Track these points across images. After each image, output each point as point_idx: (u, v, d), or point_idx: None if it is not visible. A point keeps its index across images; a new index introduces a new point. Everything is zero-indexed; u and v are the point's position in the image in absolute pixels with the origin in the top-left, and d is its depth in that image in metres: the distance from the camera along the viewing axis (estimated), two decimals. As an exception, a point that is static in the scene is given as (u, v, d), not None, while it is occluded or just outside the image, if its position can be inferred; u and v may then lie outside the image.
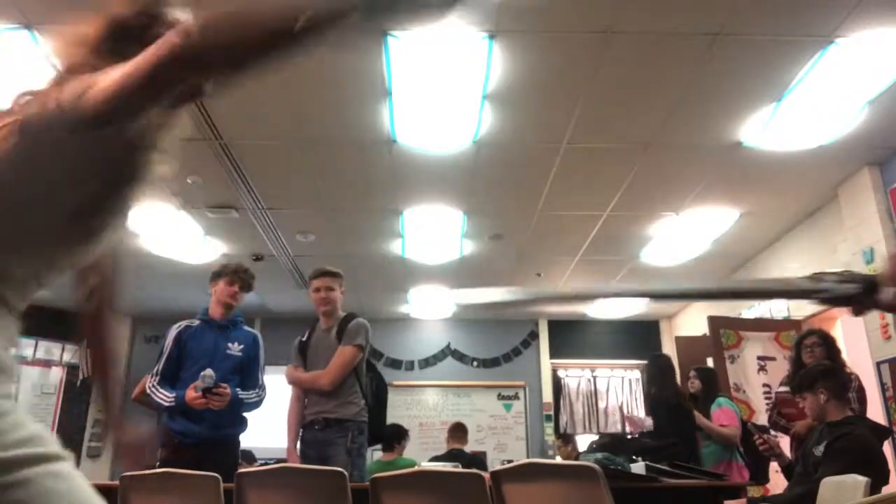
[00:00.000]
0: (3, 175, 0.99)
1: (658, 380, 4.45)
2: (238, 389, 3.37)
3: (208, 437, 3.25)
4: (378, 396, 3.55)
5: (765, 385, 5.21)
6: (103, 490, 2.99)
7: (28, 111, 1.01)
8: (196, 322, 3.61)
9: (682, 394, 4.42)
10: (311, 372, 3.46)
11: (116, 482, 2.64)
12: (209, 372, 3.25)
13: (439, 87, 3.63)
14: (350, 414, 3.29)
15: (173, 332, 3.54)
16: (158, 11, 1.17)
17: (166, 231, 5.58)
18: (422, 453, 6.42)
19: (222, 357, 3.44)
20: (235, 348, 3.51)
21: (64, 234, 1.05)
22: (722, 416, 4.26)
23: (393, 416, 6.45)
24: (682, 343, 6.80)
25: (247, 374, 3.51)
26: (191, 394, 3.21)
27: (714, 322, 5.44)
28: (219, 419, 3.27)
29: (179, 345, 3.48)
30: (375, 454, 5.25)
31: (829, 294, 0.95)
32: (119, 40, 1.13)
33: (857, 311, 0.97)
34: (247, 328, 3.70)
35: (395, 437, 4.77)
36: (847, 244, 4.67)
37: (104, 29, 1.16)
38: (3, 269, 0.99)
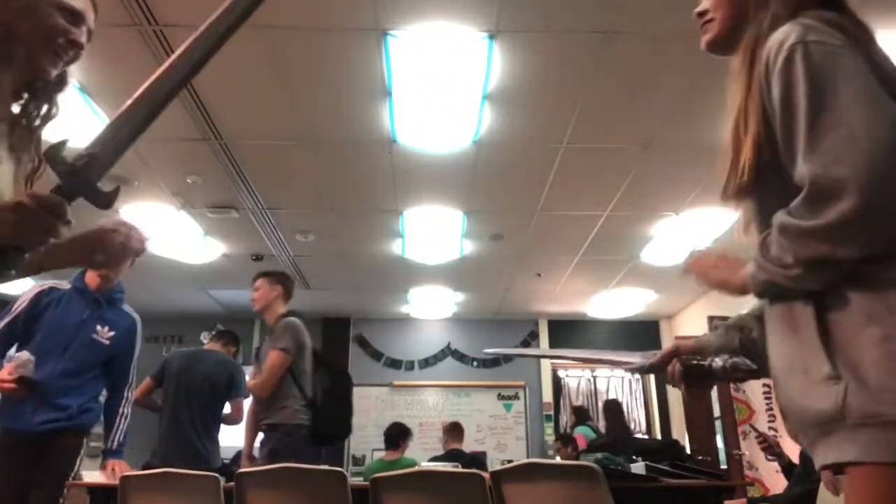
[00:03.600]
0: None
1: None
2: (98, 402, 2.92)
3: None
4: (334, 392, 3.43)
5: (765, 385, 5.21)
6: (103, 490, 2.99)
7: None
8: (66, 287, 2.93)
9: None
10: (250, 381, 3.48)
11: (116, 482, 2.64)
12: (28, 357, 2.65)
13: (439, 87, 3.63)
14: (281, 418, 3.22)
15: (34, 291, 2.89)
16: None
17: (166, 231, 5.58)
18: (422, 453, 6.42)
19: (85, 344, 2.85)
20: (104, 334, 2.91)
21: None
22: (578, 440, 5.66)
23: (393, 416, 6.48)
24: (682, 343, 6.79)
25: (114, 370, 2.97)
26: (2, 374, 2.62)
27: (714, 322, 5.44)
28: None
29: (35, 309, 2.83)
30: (377, 454, 5.26)
31: (634, 366, 1.21)
32: None
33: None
34: (126, 309, 3.07)
35: (399, 436, 4.78)
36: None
37: None
38: None
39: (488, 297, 7.66)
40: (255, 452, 3.46)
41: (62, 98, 1.30)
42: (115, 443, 2.96)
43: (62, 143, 1.00)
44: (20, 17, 1.17)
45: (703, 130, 4.09)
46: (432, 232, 5.67)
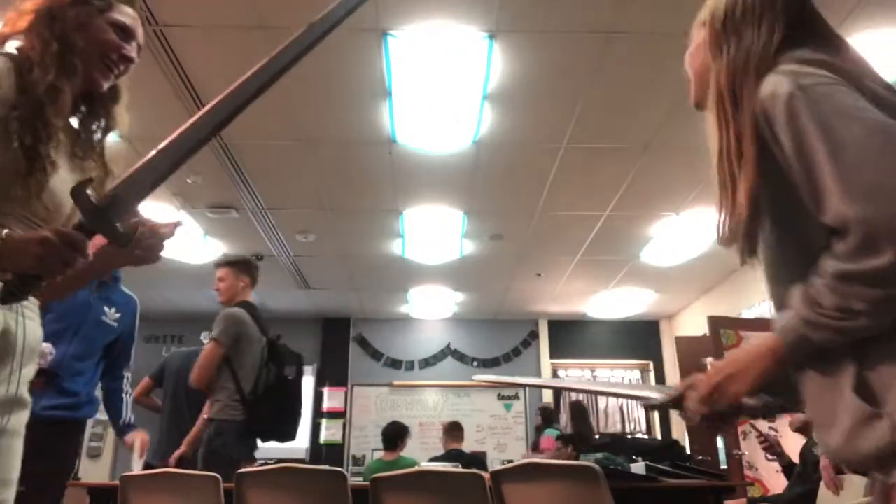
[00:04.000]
0: None
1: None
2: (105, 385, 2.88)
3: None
4: (276, 389, 3.25)
5: (765, 385, 5.21)
6: (103, 490, 2.99)
7: None
8: None
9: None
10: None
11: (116, 482, 2.64)
12: (49, 348, 2.59)
13: (439, 87, 3.63)
14: (213, 412, 3.11)
15: None
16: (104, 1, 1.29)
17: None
18: (422, 453, 6.42)
19: (96, 325, 2.80)
20: (112, 316, 2.87)
21: None
22: (545, 442, 5.72)
23: (393, 416, 6.47)
24: (683, 343, 6.80)
25: (119, 353, 2.94)
26: None
27: (714, 322, 5.45)
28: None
29: None
30: (377, 454, 5.25)
31: (653, 402, 1.13)
32: (48, 20, 1.23)
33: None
34: (125, 289, 3.07)
35: (397, 436, 4.77)
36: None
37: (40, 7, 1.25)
38: None
39: (488, 297, 7.66)
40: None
41: (118, 110, 1.36)
42: (129, 417, 2.99)
43: (87, 182, 1.05)
44: (76, 33, 1.24)
45: (703, 131, 4.09)
46: (432, 232, 5.67)
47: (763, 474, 4.87)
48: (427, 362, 8.45)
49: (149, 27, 3.15)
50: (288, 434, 3.29)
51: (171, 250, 6.09)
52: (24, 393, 1.14)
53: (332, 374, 8.17)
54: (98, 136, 1.34)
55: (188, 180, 4.72)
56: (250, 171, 4.63)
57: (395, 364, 8.40)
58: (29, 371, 1.15)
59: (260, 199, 5.06)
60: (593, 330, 8.54)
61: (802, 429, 3.72)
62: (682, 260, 6.25)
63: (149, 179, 1.13)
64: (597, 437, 7.52)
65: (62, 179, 1.21)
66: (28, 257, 0.99)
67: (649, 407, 1.20)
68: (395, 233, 5.72)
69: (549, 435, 5.94)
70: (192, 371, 3.18)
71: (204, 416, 3.24)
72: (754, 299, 6.22)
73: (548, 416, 6.68)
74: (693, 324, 7.49)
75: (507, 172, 4.65)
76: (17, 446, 1.12)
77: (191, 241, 5.82)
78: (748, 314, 6.23)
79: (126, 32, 1.31)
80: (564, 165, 4.49)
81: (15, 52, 1.19)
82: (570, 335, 8.52)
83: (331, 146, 4.33)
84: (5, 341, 1.09)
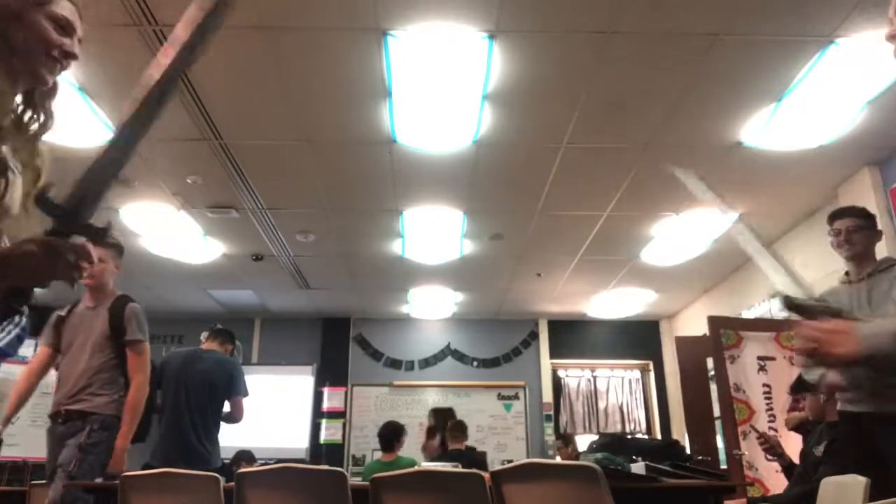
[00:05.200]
0: None
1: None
2: None
3: None
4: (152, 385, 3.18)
5: (765, 385, 5.21)
6: (103, 490, 2.99)
7: None
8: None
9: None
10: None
11: (116, 482, 2.64)
12: None
13: (439, 87, 3.63)
14: (94, 406, 2.96)
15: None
16: None
17: (166, 231, 5.58)
18: (422, 453, 6.42)
19: None
20: None
21: None
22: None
23: (393, 417, 6.47)
24: (683, 343, 6.80)
25: None
26: None
27: (714, 322, 5.44)
28: None
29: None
30: (377, 454, 5.24)
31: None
32: None
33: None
34: None
35: (393, 436, 4.76)
36: (847, 244, 4.66)
37: None
38: None
39: (488, 297, 7.66)
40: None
41: (55, 105, 1.33)
42: None
43: (48, 187, 1.07)
44: (12, 28, 1.20)
45: (703, 130, 4.10)
46: (432, 232, 5.67)
47: (763, 474, 4.87)
48: (427, 362, 8.45)
49: (148, 27, 3.15)
50: (144, 436, 3.25)
51: (172, 250, 6.11)
52: None
53: (332, 374, 8.17)
54: (36, 132, 1.31)
55: (188, 180, 4.72)
56: (250, 171, 4.63)
57: (395, 364, 8.40)
58: None
59: (260, 199, 5.06)
60: (593, 330, 8.54)
61: (798, 427, 3.72)
62: (682, 260, 6.25)
63: (109, 172, 1.13)
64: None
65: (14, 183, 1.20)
66: (31, 268, 1.02)
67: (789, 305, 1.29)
68: (395, 233, 5.72)
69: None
70: (141, 379, 3.04)
71: (69, 407, 2.99)
72: (754, 299, 6.21)
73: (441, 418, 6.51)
74: (693, 324, 7.48)
75: (507, 172, 4.65)
76: None
77: (191, 240, 5.81)
78: (748, 314, 6.22)
79: (66, 27, 1.27)
80: (564, 165, 4.49)
81: None
82: (570, 335, 8.52)
83: (331, 146, 4.33)
84: None
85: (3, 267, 1.05)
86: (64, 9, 1.27)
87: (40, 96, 1.30)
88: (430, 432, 5.84)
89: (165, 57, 1.17)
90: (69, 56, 1.28)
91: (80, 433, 2.90)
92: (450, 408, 7.00)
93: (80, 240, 1.07)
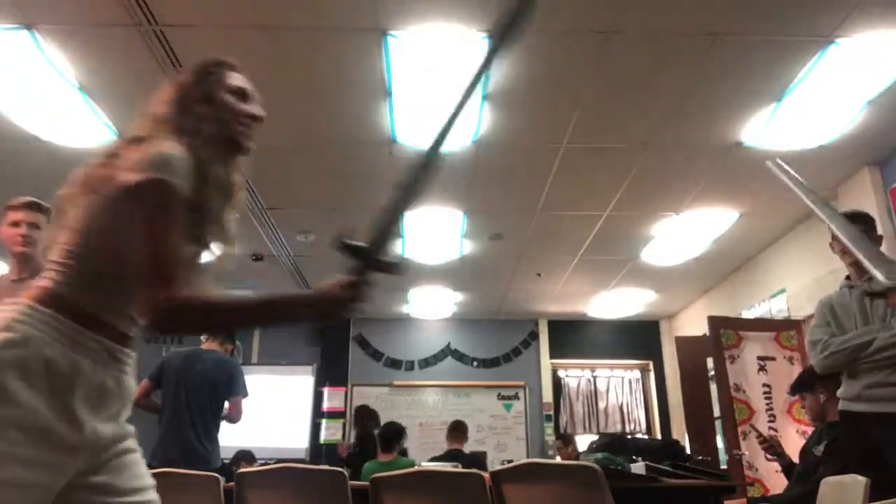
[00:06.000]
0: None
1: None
2: None
3: None
4: None
5: (765, 385, 5.21)
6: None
7: (101, 181, 1.19)
8: None
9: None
10: None
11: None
12: None
13: (439, 87, 3.63)
14: None
15: None
16: (216, 74, 1.39)
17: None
18: (422, 453, 6.42)
19: None
20: None
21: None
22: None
23: (393, 417, 6.46)
24: (683, 343, 6.80)
25: None
26: None
27: (714, 322, 5.44)
28: None
29: None
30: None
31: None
32: (181, 108, 1.32)
33: None
34: None
35: (394, 436, 4.75)
36: (847, 244, 4.66)
37: (170, 99, 1.34)
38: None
39: (488, 297, 7.66)
40: None
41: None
42: None
43: (347, 234, 1.32)
44: (208, 110, 1.34)
45: (703, 130, 4.10)
46: (432, 232, 5.67)
47: (763, 474, 4.87)
48: (427, 362, 8.44)
49: (148, 27, 3.15)
50: None
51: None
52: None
53: (332, 373, 8.16)
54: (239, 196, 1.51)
55: (188, 180, 4.71)
56: (250, 171, 4.61)
57: (395, 364, 8.39)
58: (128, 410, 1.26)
59: (260, 199, 5.06)
60: (593, 330, 8.54)
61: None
62: (682, 260, 6.25)
63: (398, 213, 1.39)
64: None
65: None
66: (343, 305, 1.28)
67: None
68: (394, 233, 5.71)
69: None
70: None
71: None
72: (754, 299, 6.22)
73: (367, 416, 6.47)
74: (693, 324, 7.49)
75: (507, 172, 4.65)
76: (141, 458, 1.28)
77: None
78: (748, 314, 6.22)
79: (246, 96, 1.42)
80: (564, 165, 4.49)
81: (181, 146, 1.24)
82: (570, 335, 8.52)
83: (331, 146, 4.33)
84: (121, 389, 1.21)
85: (320, 307, 1.28)
86: (236, 79, 1.42)
87: (237, 163, 1.48)
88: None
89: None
90: (257, 119, 1.43)
91: None
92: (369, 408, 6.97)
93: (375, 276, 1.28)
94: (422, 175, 1.37)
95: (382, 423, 5.03)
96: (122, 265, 1.17)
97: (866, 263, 1.30)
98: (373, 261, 1.29)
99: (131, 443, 1.24)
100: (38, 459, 1.03)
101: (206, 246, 1.33)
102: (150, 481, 1.25)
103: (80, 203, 1.20)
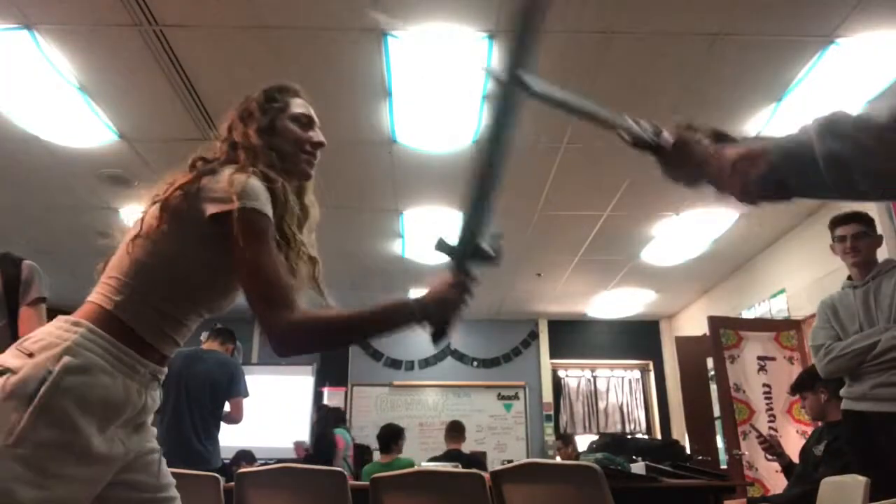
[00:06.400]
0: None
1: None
2: None
3: None
4: None
5: (765, 385, 5.21)
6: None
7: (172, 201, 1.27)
8: None
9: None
10: None
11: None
12: None
13: (439, 87, 3.63)
14: None
15: None
16: (280, 102, 1.44)
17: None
18: (421, 453, 6.42)
19: None
20: None
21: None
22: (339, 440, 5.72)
23: (393, 417, 6.48)
24: (682, 343, 6.80)
25: None
26: None
27: (714, 322, 5.45)
28: None
29: None
30: (376, 455, 5.23)
31: (627, 132, 1.27)
32: (247, 137, 1.37)
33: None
34: None
35: (392, 437, 4.75)
36: (847, 244, 4.66)
37: (236, 128, 1.41)
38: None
39: (488, 297, 7.66)
40: None
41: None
42: None
43: (445, 237, 1.35)
44: (272, 139, 1.38)
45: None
46: (432, 232, 5.66)
47: (763, 474, 4.87)
48: (427, 362, 8.45)
49: (148, 27, 3.15)
50: None
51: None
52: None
53: (332, 373, 8.16)
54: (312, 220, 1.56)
55: (188, 180, 4.71)
56: (250, 171, 4.62)
57: (394, 364, 8.39)
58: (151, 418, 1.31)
59: (260, 199, 5.05)
60: (593, 330, 8.55)
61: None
62: (682, 260, 6.25)
63: (485, 209, 1.39)
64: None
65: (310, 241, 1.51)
66: (451, 305, 1.33)
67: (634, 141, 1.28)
68: (395, 233, 5.72)
69: (339, 434, 5.84)
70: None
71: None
72: (754, 299, 6.22)
73: (338, 417, 6.45)
74: (693, 324, 7.49)
75: (507, 172, 4.64)
76: (162, 456, 1.30)
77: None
78: (748, 314, 6.23)
79: (310, 121, 1.47)
80: (564, 165, 4.49)
81: (255, 173, 1.28)
82: (570, 335, 8.52)
83: (331, 146, 4.31)
84: (154, 403, 1.26)
85: (430, 311, 1.32)
86: (299, 106, 1.47)
87: (305, 186, 1.51)
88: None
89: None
90: (319, 146, 1.48)
91: None
92: (337, 407, 6.93)
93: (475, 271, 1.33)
94: (496, 159, 1.39)
95: (382, 424, 5.03)
96: (181, 291, 1.23)
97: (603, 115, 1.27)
98: (472, 256, 1.33)
99: (155, 442, 1.29)
100: (84, 476, 1.08)
101: (294, 268, 1.38)
102: (172, 479, 1.31)
103: (150, 226, 1.25)
